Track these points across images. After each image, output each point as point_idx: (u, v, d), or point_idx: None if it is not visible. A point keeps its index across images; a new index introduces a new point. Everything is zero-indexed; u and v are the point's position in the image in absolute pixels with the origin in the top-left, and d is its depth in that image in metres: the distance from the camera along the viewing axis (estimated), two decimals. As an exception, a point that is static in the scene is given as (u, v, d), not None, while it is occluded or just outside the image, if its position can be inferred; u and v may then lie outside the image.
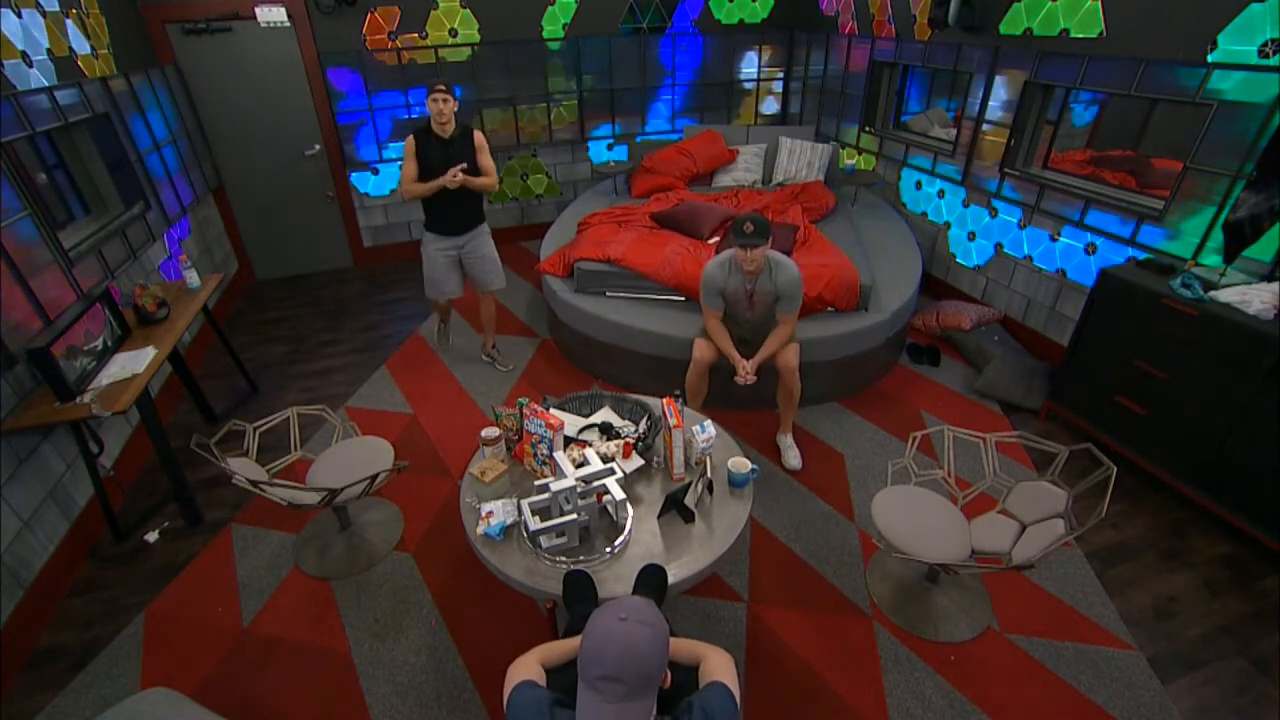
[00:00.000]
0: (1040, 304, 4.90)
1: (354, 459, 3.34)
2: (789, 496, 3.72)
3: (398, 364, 5.04)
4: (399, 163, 6.70)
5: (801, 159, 6.22)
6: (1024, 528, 2.86)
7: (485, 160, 4.00)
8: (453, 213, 4.08)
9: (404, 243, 6.97)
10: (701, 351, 3.79)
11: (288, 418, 3.53)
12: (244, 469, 3.08)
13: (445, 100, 3.78)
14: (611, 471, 2.78)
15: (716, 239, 4.92)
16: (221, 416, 4.49)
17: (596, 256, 4.73)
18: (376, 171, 6.60)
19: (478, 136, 4.00)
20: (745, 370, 3.62)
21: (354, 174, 6.56)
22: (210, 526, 3.69)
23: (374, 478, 3.09)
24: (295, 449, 3.51)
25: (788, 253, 4.60)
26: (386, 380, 4.84)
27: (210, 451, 2.98)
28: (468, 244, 4.23)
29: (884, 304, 4.53)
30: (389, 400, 4.61)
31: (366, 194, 6.68)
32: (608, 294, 4.65)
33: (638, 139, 7.11)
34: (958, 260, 5.59)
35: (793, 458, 3.86)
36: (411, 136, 3.88)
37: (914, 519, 2.96)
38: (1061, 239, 4.70)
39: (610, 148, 7.26)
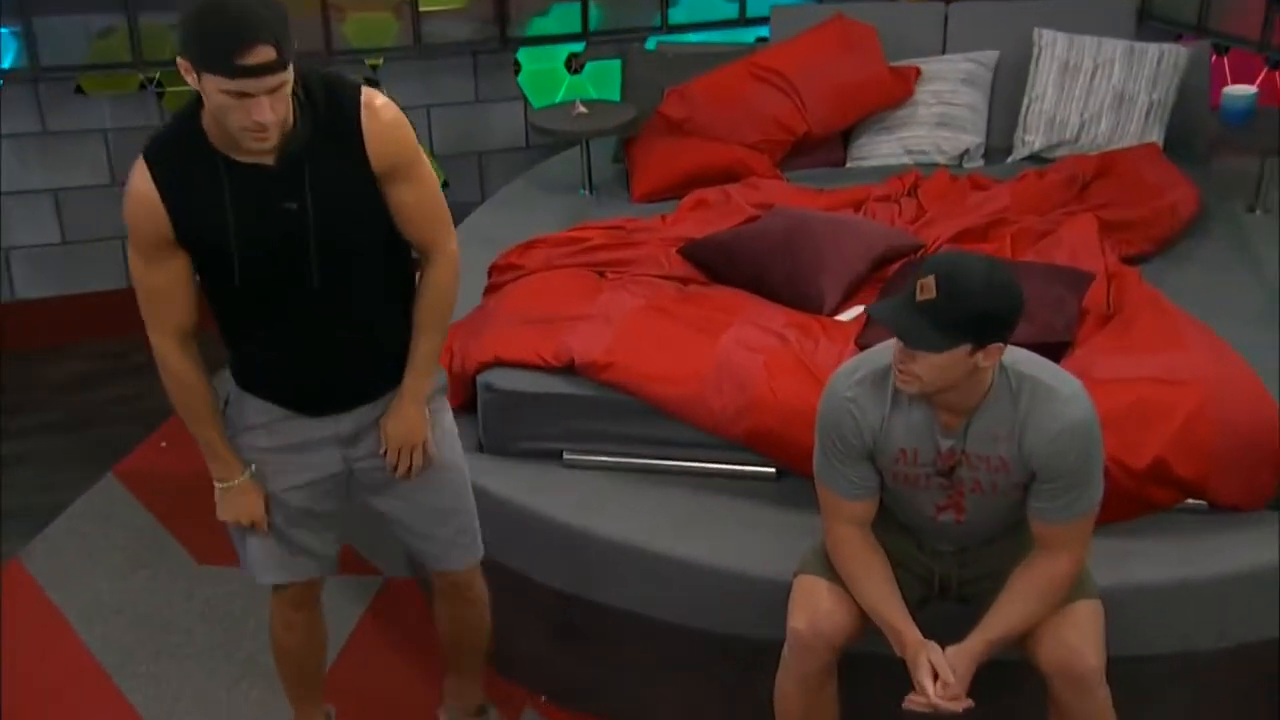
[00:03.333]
0: None
1: None
2: None
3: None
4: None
5: (1101, 86, 5.69)
6: None
7: (410, 194, 3.25)
8: (314, 352, 3.28)
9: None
10: (814, 614, 3.35)
11: None
12: None
13: (273, 88, 2.87)
14: None
15: (857, 310, 4.44)
16: None
17: (535, 360, 4.27)
18: None
19: (374, 129, 3.17)
20: (942, 677, 3.15)
21: None
22: None
23: None
24: None
25: (1059, 352, 4.00)
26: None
27: None
28: (367, 437, 3.46)
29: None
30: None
31: None
32: (566, 455, 4.29)
33: (649, 44, 6.65)
34: None
35: None
36: (144, 168, 3.00)
37: None
38: None
39: (577, 66, 6.78)
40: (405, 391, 3.31)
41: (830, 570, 3.27)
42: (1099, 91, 5.65)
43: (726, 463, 4.05)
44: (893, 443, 3.08)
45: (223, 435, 3.31)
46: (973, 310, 2.80)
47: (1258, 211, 5.37)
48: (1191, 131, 5.73)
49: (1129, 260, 4.76)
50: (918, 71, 5.89)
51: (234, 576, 4.61)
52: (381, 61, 6.45)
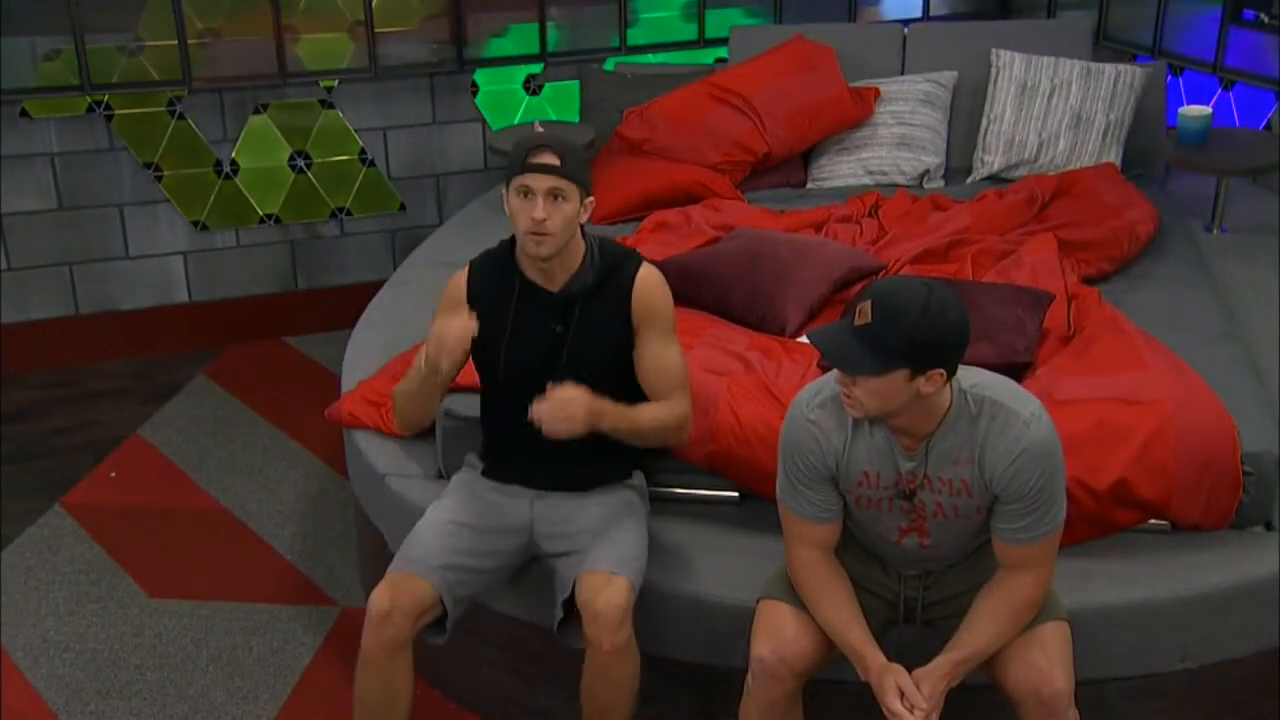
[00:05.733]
0: None
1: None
2: None
3: None
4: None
5: (1059, 107, 5.77)
6: None
7: (656, 351, 3.71)
8: (544, 441, 3.60)
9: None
10: (778, 640, 3.34)
11: None
12: None
13: (553, 192, 3.44)
14: None
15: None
16: None
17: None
18: None
19: (644, 287, 3.69)
20: (910, 699, 3.14)
21: None
22: None
23: None
24: None
25: (1021, 373, 4.06)
26: None
27: None
28: (563, 518, 3.80)
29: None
30: None
31: None
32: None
33: (608, 65, 6.71)
34: None
35: None
36: (467, 270, 3.75)
37: None
38: None
39: (535, 87, 6.73)
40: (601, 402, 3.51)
41: (794, 595, 3.27)
42: (1057, 112, 5.76)
43: (689, 487, 4.05)
44: (855, 465, 3.10)
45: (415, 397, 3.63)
46: (905, 336, 2.84)
47: (1214, 231, 5.53)
48: (1148, 151, 5.85)
49: (1088, 280, 4.85)
50: (877, 92, 5.99)
51: (186, 610, 4.70)
52: (336, 83, 6.49)
